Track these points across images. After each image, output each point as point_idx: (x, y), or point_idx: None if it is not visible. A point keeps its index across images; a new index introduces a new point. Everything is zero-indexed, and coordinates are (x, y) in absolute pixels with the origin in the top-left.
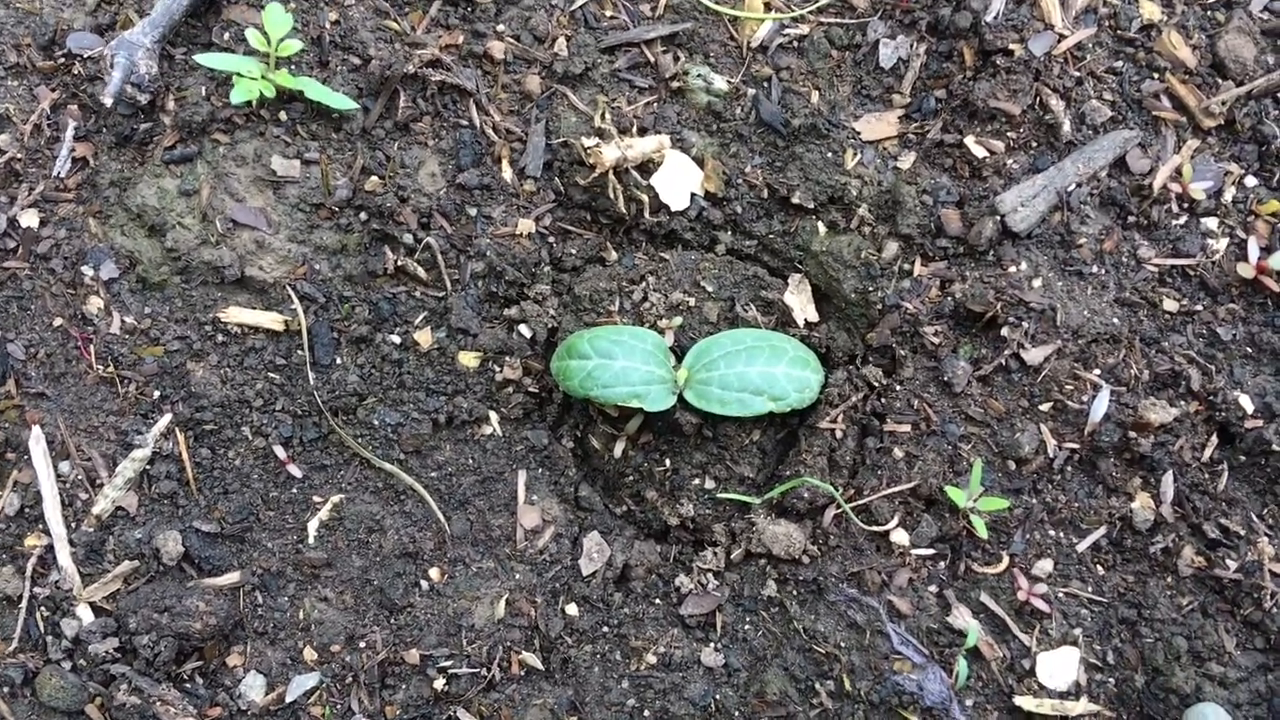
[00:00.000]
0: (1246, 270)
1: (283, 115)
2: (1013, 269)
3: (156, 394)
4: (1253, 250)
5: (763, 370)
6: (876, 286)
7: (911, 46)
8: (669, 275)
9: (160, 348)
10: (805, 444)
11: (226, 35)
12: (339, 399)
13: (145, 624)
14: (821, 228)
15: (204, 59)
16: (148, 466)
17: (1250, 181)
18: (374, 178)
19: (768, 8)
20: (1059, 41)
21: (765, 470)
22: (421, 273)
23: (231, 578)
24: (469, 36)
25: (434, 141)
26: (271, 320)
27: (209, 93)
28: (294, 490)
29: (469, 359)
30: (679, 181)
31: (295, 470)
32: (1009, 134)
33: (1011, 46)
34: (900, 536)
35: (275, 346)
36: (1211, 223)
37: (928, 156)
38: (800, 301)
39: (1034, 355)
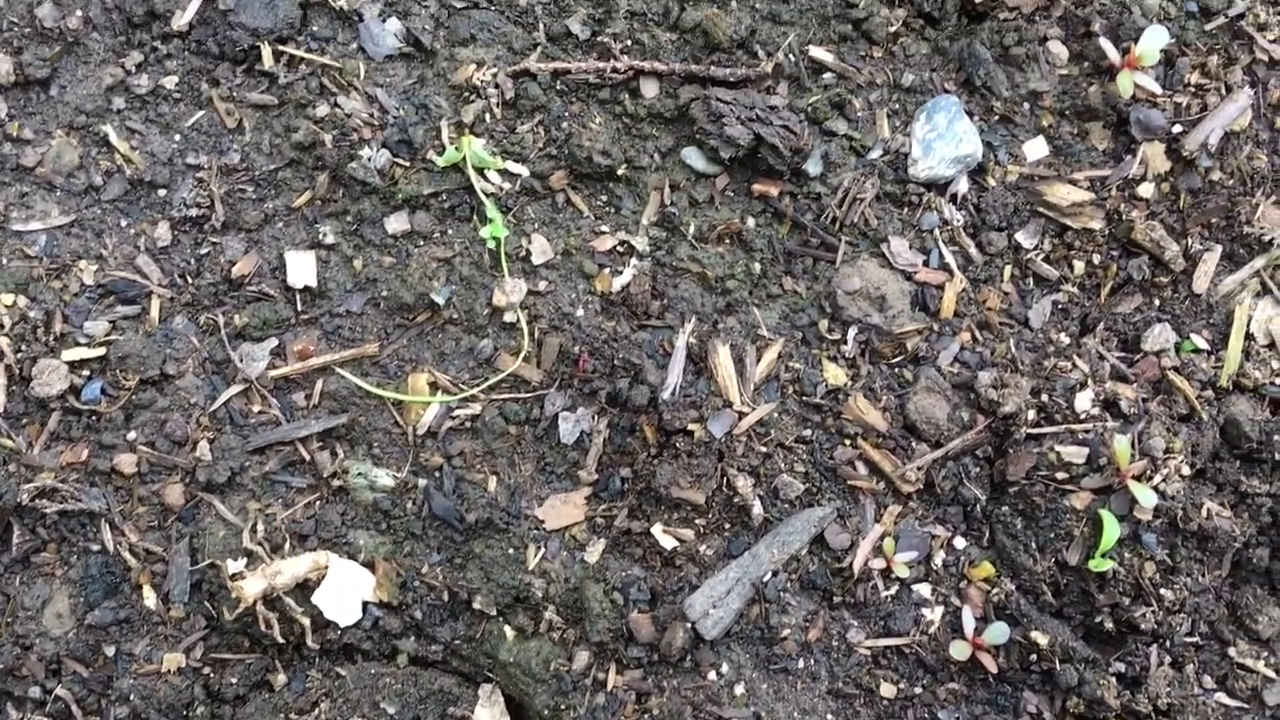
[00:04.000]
0: (962, 650)
1: None
2: (712, 675)
3: None
4: (968, 622)
5: None
6: (569, 703)
7: (593, 419)
8: (346, 696)
9: None
10: None
11: None
12: None
13: None
14: (509, 633)
15: None
16: None
17: (960, 543)
18: None
19: (434, 388)
20: (740, 419)
21: None
22: None
23: None
24: (95, 449)
25: (61, 572)
26: None
27: None
28: None
29: None
30: (347, 593)
31: None
32: (698, 521)
33: (691, 427)
34: None
35: None
36: (924, 590)
37: (617, 545)
38: (493, 716)
39: None
